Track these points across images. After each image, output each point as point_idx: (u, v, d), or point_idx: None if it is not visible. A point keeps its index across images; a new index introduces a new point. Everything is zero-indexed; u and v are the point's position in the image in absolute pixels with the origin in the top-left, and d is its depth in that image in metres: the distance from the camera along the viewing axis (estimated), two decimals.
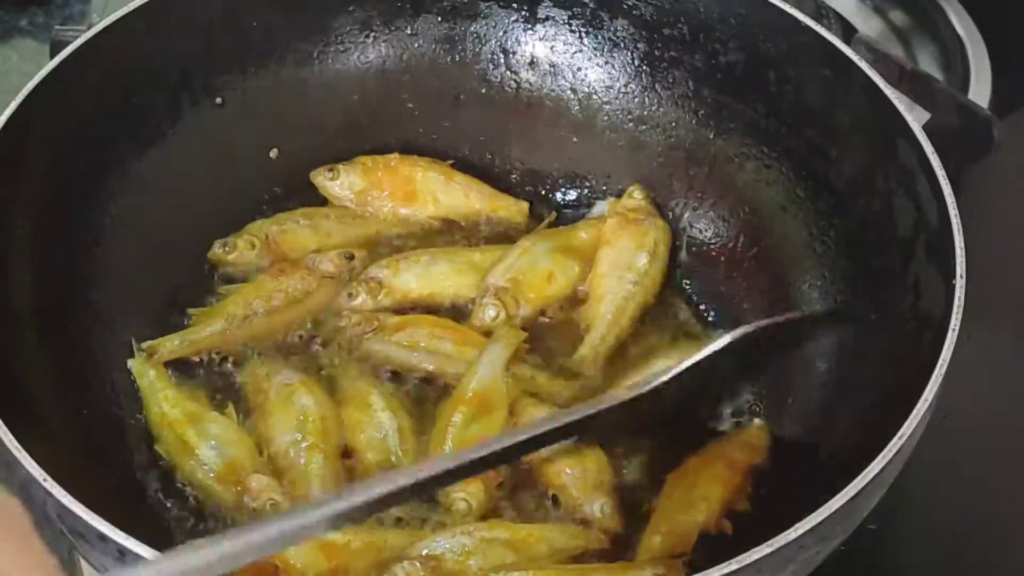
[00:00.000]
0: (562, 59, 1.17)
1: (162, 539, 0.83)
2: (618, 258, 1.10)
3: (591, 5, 1.15)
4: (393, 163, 1.14)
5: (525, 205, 1.16)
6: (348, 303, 1.07)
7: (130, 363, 1.01)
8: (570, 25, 1.17)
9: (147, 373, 1.01)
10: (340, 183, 1.13)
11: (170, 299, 1.07)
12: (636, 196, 1.13)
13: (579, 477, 0.96)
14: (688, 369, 0.94)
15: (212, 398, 1.02)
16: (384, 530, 0.93)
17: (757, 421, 1.01)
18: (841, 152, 1.04)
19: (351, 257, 1.09)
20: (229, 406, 1.01)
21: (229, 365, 1.05)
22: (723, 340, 0.96)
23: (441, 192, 1.14)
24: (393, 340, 1.05)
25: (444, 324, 1.06)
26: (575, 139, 1.18)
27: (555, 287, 1.09)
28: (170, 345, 1.03)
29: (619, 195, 1.15)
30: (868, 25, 1.38)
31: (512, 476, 0.98)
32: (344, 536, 0.90)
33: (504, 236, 1.14)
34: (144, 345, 1.02)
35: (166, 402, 0.99)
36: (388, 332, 1.05)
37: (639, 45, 1.15)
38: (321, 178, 1.14)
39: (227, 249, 1.09)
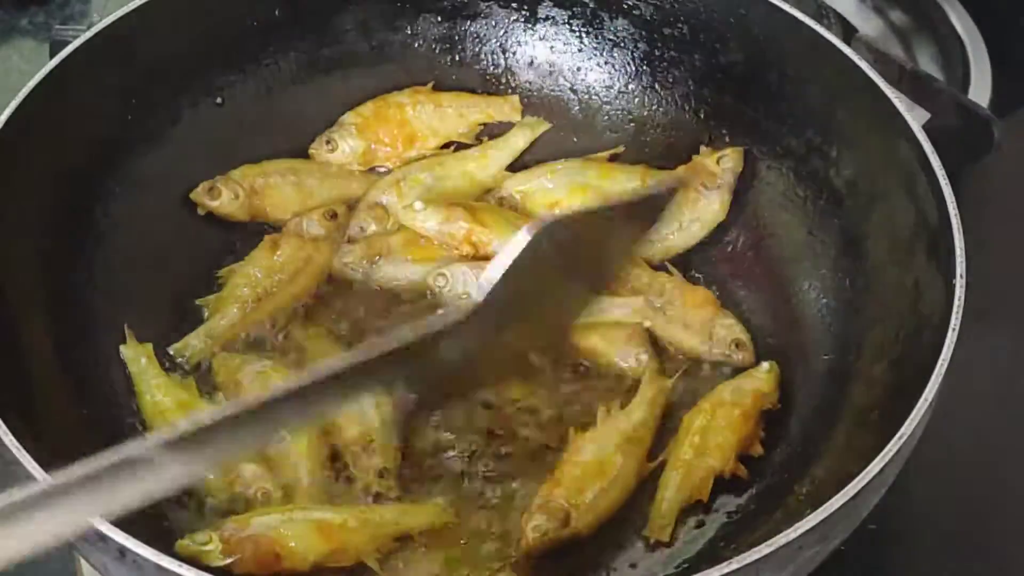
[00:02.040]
0: (562, 59, 1.17)
1: (162, 538, 0.84)
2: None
3: (591, 5, 1.15)
4: (378, 108, 1.14)
5: (515, 99, 1.17)
6: (360, 235, 1.08)
7: (122, 349, 1.01)
8: (570, 25, 1.17)
9: (139, 360, 1.00)
10: (341, 151, 1.14)
11: (170, 299, 1.07)
12: None
13: (610, 339, 0.99)
14: None
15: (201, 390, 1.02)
16: (379, 506, 0.94)
17: (765, 364, 1.01)
18: (841, 152, 1.04)
19: (334, 216, 1.10)
20: (219, 395, 1.01)
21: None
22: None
23: (437, 121, 1.15)
24: (407, 259, 1.06)
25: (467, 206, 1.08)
26: (575, 139, 1.18)
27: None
28: (197, 343, 1.03)
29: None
30: (868, 25, 1.38)
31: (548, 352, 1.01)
32: (340, 516, 0.91)
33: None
34: (171, 349, 1.02)
35: (158, 391, 0.99)
36: (398, 252, 1.07)
37: (639, 45, 1.15)
38: (321, 152, 1.14)
39: (212, 195, 1.09)
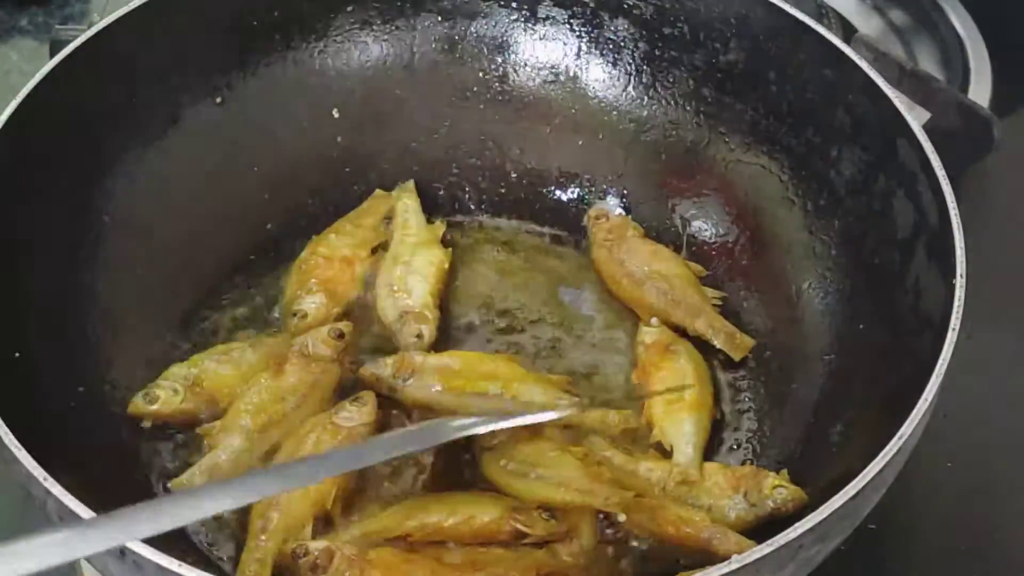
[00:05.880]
0: (562, 59, 1.17)
1: (163, 538, 0.83)
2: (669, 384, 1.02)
3: (591, 5, 1.15)
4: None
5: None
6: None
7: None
8: (570, 25, 1.17)
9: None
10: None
11: (171, 298, 1.07)
12: (653, 326, 1.07)
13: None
14: None
15: None
16: None
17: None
18: (841, 152, 1.04)
19: (340, 335, 1.03)
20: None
21: None
22: None
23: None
24: (434, 386, 1.01)
25: (487, 358, 1.04)
26: (575, 139, 1.18)
27: (435, 279, 1.09)
28: (199, 480, 0.95)
29: (619, 195, 1.16)
30: (868, 25, 1.38)
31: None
32: None
33: None
34: (171, 484, 0.96)
35: None
36: (428, 376, 1.01)
37: (639, 45, 1.15)
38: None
39: (148, 399, 0.98)
